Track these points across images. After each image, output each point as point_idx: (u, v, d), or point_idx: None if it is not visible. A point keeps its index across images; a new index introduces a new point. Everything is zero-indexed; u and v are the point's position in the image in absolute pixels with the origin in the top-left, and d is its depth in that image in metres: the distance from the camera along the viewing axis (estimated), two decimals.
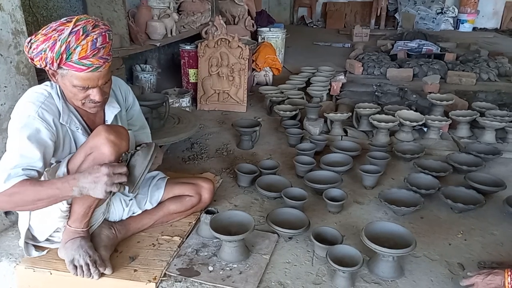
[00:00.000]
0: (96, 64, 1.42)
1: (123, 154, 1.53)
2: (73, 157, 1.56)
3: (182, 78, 3.96)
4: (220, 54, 3.62)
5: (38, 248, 1.69)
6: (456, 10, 9.08)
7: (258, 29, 5.37)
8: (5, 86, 1.85)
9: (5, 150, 1.48)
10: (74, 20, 1.40)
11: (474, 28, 8.93)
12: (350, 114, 2.99)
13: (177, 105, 3.19)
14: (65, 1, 3.60)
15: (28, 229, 1.63)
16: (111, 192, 1.42)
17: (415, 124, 2.80)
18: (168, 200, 1.94)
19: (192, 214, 2.02)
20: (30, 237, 1.67)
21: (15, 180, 1.37)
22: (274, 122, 3.39)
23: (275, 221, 1.81)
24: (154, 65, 4.13)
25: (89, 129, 1.65)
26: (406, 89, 3.78)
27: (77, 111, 1.60)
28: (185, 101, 3.25)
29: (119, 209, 1.83)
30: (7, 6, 1.82)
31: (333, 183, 2.17)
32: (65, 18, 1.45)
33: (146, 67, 3.98)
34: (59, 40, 1.37)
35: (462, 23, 8.92)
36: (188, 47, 3.86)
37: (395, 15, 9.32)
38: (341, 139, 2.90)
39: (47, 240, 1.68)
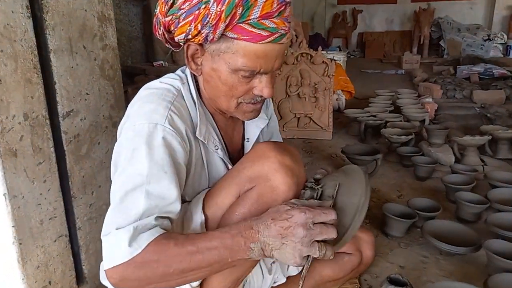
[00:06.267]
0: (282, 29, 0.82)
1: (305, 192, 0.90)
2: (214, 195, 0.94)
3: None
4: (300, 71, 3.06)
5: None
6: (505, 37, 8.58)
7: None
8: (87, 93, 1.27)
9: (110, 185, 0.87)
10: None
11: None
12: (489, 137, 2.34)
13: None
14: (123, 14, 3.15)
15: None
16: (308, 257, 0.79)
17: None
18: (319, 261, 1.28)
19: (348, 282, 1.35)
20: None
21: (148, 239, 0.76)
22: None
23: None
24: None
25: (227, 151, 1.04)
26: None
27: (214, 121, 1.00)
28: None
29: (258, 278, 1.17)
30: None
31: None
32: None
33: None
34: None
35: None
36: None
37: (439, 42, 8.87)
38: (483, 170, 2.24)
39: None
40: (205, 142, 0.94)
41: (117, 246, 0.77)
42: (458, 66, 6.00)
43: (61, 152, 1.19)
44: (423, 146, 2.45)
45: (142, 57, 3.21)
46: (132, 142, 0.85)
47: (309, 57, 3.05)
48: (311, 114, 3.06)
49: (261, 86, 0.88)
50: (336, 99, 3.92)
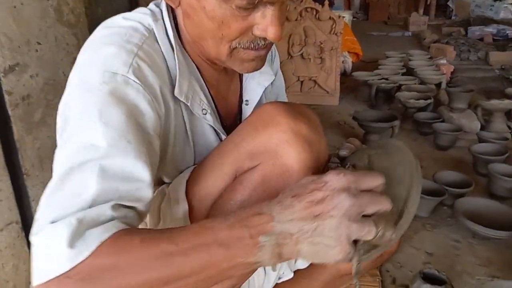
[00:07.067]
0: None
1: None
2: (202, 176, 0.68)
3: None
4: (304, 29, 2.74)
5: None
6: None
7: None
8: (38, 43, 0.98)
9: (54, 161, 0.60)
10: None
11: None
12: None
13: None
14: None
15: None
16: (356, 244, 0.49)
17: None
18: None
19: (368, 274, 1.13)
20: None
21: (100, 237, 0.47)
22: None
23: None
24: None
25: (219, 116, 0.77)
26: None
27: (202, 76, 0.73)
28: None
29: (260, 277, 0.92)
30: None
31: None
32: None
33: None
34: None
35: None
36: None
37: (447, 3, 8.44)
38: None
39: None
40: (188, 104, 0.67)
41: (51, 249, 0.47)
42: (469, 27, 5.66)
43: (4, 118, 0.92)
44: (444, 112, 2.18)
45: None
46: (80, 99, 0.57)
47: (315, 12, 2.72)
48: (316, 77, 2.77)
49: (264, 23, 0.60)
50: (342, 62, 3.60)
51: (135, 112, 0.57)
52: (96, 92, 0.56)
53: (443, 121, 2.09)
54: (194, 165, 0.72)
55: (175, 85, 0.65)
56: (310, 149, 0.62)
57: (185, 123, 0.69)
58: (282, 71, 2.85)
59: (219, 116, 0.76)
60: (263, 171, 0.62)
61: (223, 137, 0.73)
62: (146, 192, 0.56)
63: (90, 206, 0.50)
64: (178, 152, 0.70)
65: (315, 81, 2.79)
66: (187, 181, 0.69)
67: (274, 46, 0.95)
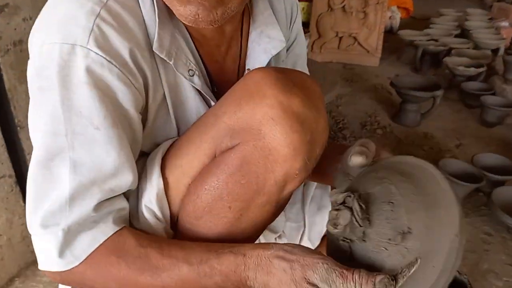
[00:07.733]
0: None
1: (338, 215, 0.47)
2: (178, 152, 0.59)
3: None
4: None
5: None
6: None
7: None
8: None
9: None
10: None
11: None
12: None
13: None
14: None
15: None
16: None
17: None
18: None
19: None
20: None
21: (87, 250, 0.52)
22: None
23: None
24: None
25: (211, 82, 0.65)
26: None
27: (191, 36, 0.60)
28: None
29: None
30: None
31: None
32: None
33: None
34: None
35: None
36: None
37: None
38: None
39: None
40: (171, 63, 0.56)
41: (45, 251, 0.53)
42: None
43: None
44: (496, 83, 1.94)
45: None
46: (38, 76, 0.50)
47: None
48: (356, 33, 2.53)
49: None
50: (389, 17, 3.29)
51: (102, 90, 0.50)
52: (55, 69, 0.48)
53: (494, 94, 1.86)
54: (174, 138, 0.62)
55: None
56: (302, 129, 0.50)
57: (163, 85, 0.58)
58: (319, 25, 2.61)
59: (211, 82, 0.64)
60: (242, 153, 0.51)
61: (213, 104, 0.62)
62: (125, 179, 0.54)
63: (69, 205, 0.51)
64: (159, 123, 0.61)
65: (355, 38, 2.56)
66: (166, 155, 0.60)
67: (297, 3, 0.79)
